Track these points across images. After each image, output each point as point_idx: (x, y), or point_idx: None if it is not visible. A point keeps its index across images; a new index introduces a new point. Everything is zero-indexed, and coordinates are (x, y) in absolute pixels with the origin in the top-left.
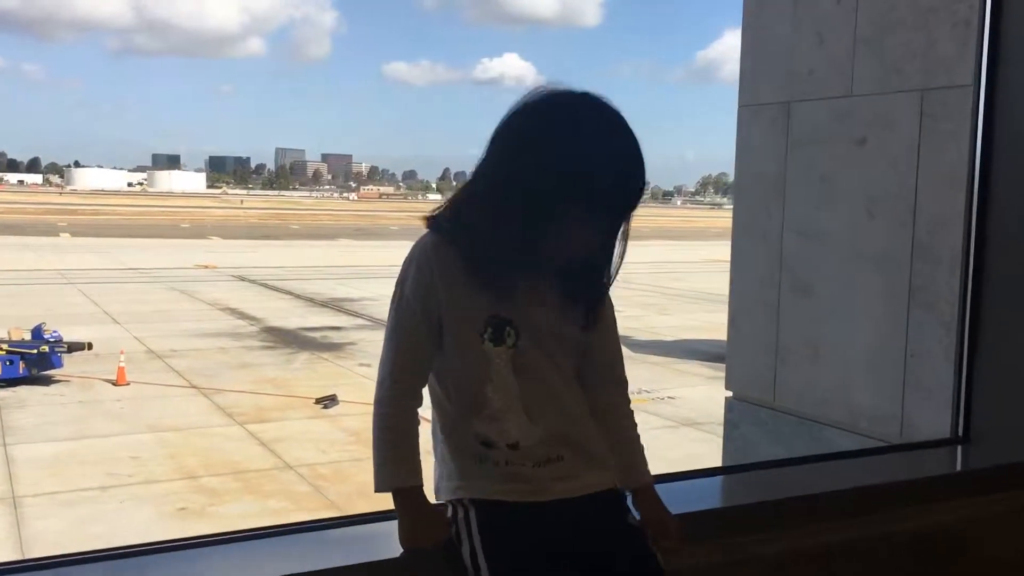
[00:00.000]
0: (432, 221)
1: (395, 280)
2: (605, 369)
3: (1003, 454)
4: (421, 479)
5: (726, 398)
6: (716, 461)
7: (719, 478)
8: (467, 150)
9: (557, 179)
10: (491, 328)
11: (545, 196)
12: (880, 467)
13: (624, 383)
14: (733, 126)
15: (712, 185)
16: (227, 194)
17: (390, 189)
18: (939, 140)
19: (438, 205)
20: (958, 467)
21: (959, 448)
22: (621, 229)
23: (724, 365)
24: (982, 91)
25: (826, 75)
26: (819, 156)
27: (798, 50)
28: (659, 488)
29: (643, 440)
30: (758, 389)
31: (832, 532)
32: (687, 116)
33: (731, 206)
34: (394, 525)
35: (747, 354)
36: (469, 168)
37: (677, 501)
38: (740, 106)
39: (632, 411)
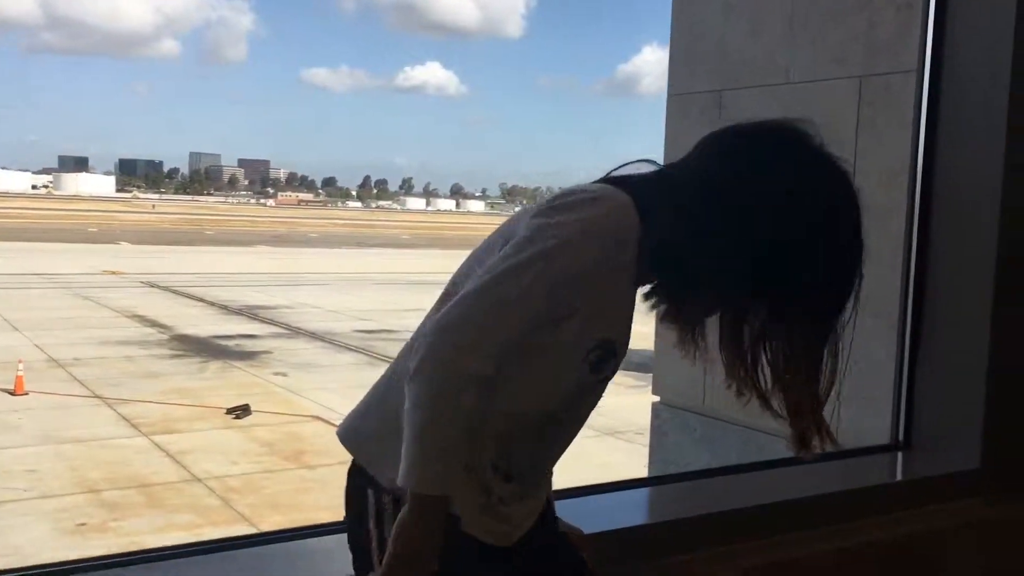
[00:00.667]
0: (638, 192)
1: (525, 237)
2: None
3: (946, 461)
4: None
5: (653, 404)
6: (639, 468)
7: (645, 490)
8: (389, 158)
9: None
10: (600, 350)
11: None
12: (819, 476)
13: None
14: (650, 138)
15: None
16: (138, 198)
17: (309, 196)
18: (879, 129)
19: (627, 172)
20: (899, 476)
21: (900, 455)
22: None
23: (645, 375)
24: (926, 76)
25: (761, 62)
26: None
27: (731, 35)
28: (580, 503)
29: (570, 449)
30: (686, 394)
31: (769, 548)
32: (608, 128)
33: None
34: (337, 540)
35: (675, 358)
36: (390, 175)
37: (600, 517)
38: (669, 95)
39: None
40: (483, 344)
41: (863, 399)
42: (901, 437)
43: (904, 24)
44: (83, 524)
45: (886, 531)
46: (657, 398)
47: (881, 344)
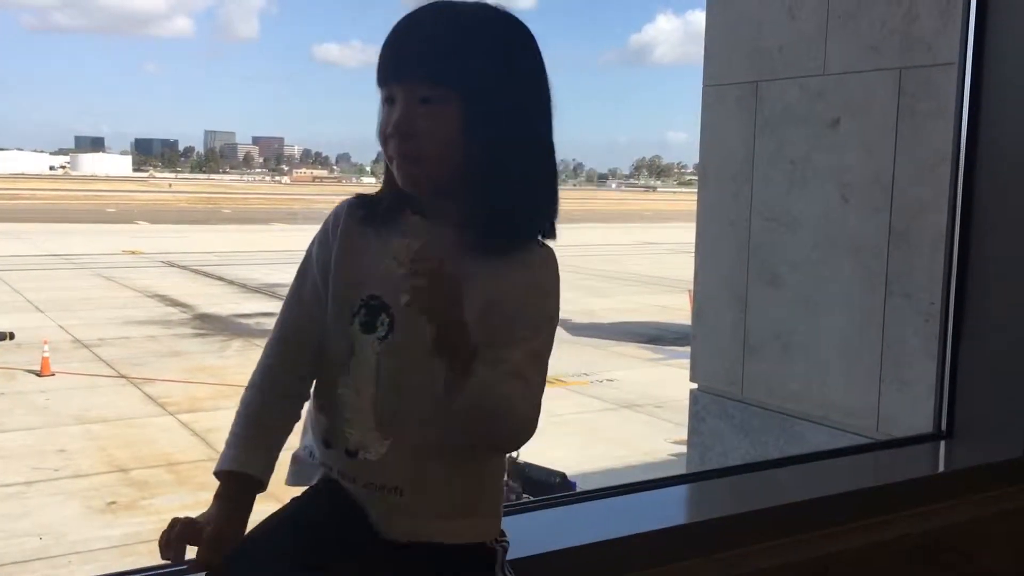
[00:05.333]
0: None
1: None
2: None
3: (989, 450)
4: (248, 467)
5: (691, 390)
6: (656, 441)
7: (683, 487)
8: None
9: None
10: (364, 310)
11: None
12: (863, 468)
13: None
14: (665, 109)
15: (646, 168)
16: (154, 178)
17: (324, 172)
18: (919, 121)
19: None
20: (941, 467)
21: (942, 444)
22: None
23: (662, 347)
24: (968, 69)
25: (797, 53)
26: (790, 138)
27: (767, 26)
28: (615, 503)
29: (585, 422)
30: (725, 381)
31: (810, 543)
32: (620, 100)
33: (663, 188)
34: None
35: (713, 345)
36: None
37: (637, 517)
38: (705, 85)
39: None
40: (269, 346)
41: (899, 384)
42: (944, 426)
43: (944, 15)
44: (113, 503)
45: (926, 522)
46: (695, 385)
47: (913, 329)
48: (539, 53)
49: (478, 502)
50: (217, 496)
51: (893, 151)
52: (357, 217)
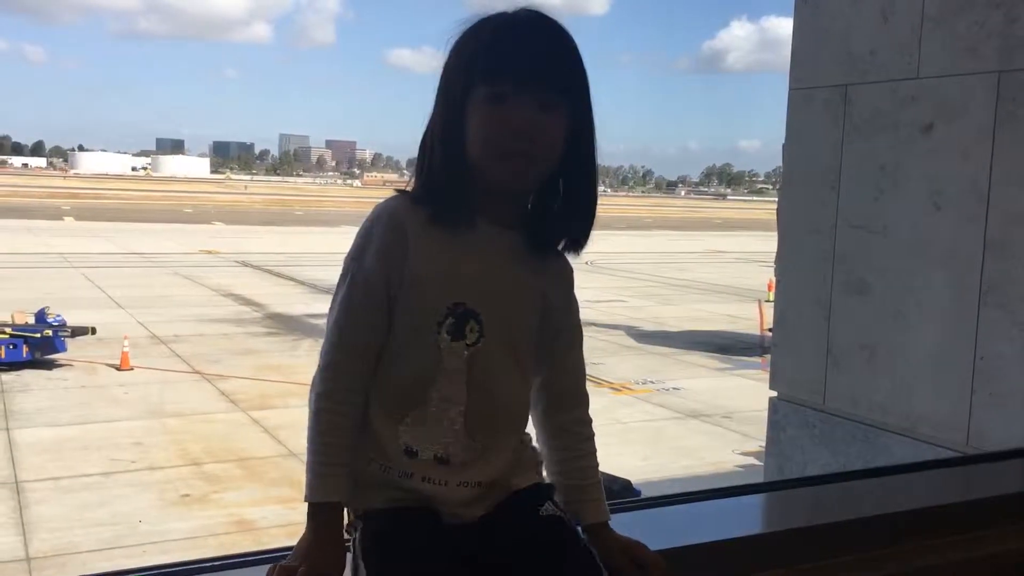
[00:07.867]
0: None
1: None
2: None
3: None
4: (338, 494)
5: (770, 399)
6: (724, 452)
7: (761, 496)
8: None
9: (454, 69)
10: (451, 318)
11: (452, 89)
12: (952, 482)
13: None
14: (738, 117)
15: (716, 176)
16: (231, 179)
17: (394, 176)
18: (1018, 126)
19: None
20: None
21: None
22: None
23: (730, 357)
24: None
25: (890, 55)
26: (879, 143)
27: (858, 28)
28: (689, 509)
29: (650, 430)
30: (807, 390)
31: (899, 559)
32: (691, 106)
33: (733, 196)
34: None
35: (795, 353)
36: None
37: (712, 525)
38: (791, 89)
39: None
40: (345, 359)
41: (991, 397)
42: None
43: None
44: (186, 495)
45: (1020, 540)
46: (775, 393)
47: (1008, 340)
48: None
49: (537, 457)
50: (312, 526)
51: (990, 157)
52: (423, 220)
